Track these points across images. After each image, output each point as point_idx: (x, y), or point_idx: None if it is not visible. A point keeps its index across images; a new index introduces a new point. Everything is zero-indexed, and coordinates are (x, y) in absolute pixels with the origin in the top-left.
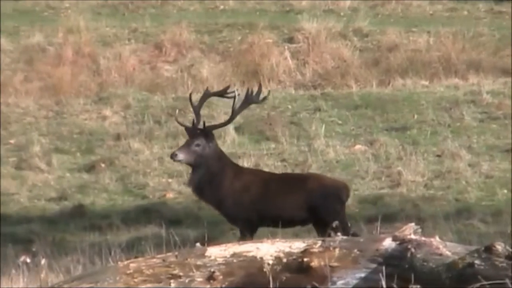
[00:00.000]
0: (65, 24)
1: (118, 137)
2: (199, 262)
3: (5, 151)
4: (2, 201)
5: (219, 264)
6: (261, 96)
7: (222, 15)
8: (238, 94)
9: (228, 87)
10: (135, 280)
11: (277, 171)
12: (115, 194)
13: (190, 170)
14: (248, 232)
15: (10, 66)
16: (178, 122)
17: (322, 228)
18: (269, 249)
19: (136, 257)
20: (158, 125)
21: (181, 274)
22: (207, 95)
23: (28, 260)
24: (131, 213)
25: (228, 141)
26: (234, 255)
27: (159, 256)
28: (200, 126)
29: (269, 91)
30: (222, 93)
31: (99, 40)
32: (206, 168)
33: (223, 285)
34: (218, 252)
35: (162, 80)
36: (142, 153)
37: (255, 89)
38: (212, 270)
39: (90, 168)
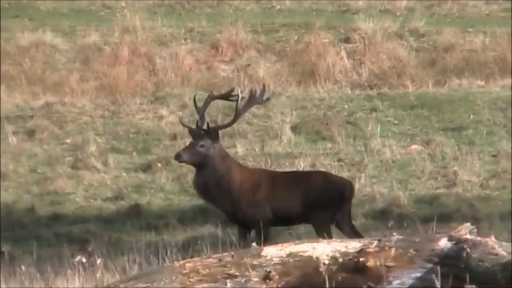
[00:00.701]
0: (121, 24)
1: (174, 137)
2: (255, 262)
3: (62, 150)
4: (58, 201)
5: (275, 264)
6: (265, 97)
7: (279, 15)
8: (242, 97)
9: (232, 90)
10: (191, 280)
11: (333, 171)
12: (172, 194)
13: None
14: (267, 230)
15: (66, 65)
16: (183, 124)
17: (318, 223)
18: (325, 249)
19: (192, 257)
20: (214, 125)
21: (237, 274)
22: (211, 98)
23: (84, 260)
24: (188, 213)
25: (285, 140)
26: (290, 254)
27: (215, 256)
28: (205, 127)
29: (273, 92)
30: (226, 96)
31: (155, 39)
32: (211, 169)
33: (279, 285)
34: (274, 252)
35: (218, 80)
36: None
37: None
38: (268, 270)
39: (147, 168)
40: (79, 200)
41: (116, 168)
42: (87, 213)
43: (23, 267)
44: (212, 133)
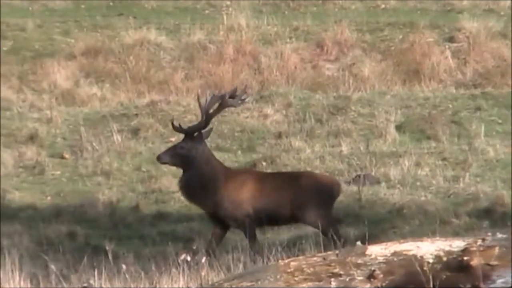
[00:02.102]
0: (226, 22)
1: (279, 135)
2: (359, 261)
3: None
4: (162, 199)
5: (379, 262)
6: (246, 98)
7: (383, 14)
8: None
9: (236, 89)
10: (296, 278)
11: (437, 170)
12: None
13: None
14: (252, 230)
15: (171, 64)
16: (173, 125)
17: (309, 224)
18: (429, 247)
19: (296, 256)
20: (319, 124)
21: (341, 272)
22: (215, 97)
23: (189, 259)
24: None
25: (389, 139)
26: (394, 253)
27: (319, 254)
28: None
29: (251, 93)
30: (232, 95)
31: (261, 38)
32: (195, 171)
33: (383, 284)
34: (378, 251)
35: (323, 78)
36: (303, 152)
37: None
38: (372, 268)
39: (251, 166)
40: (183, 198)
41: None
42: (192, 212)
43: (126, 266)
44: (192, 134)
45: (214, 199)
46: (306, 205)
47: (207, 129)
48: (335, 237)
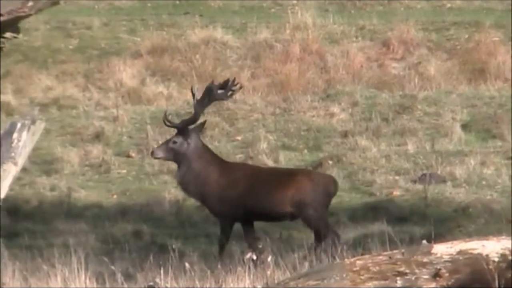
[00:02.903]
0: (292, 21)
1: (345, 134)
2: (425, 260)
3: (233, 147)
4: None
5: (445, 261)
6: (235, 91)
7: (449, 13)
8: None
9: (227, 80)
10: (362, 277)
11: (503, 169)
12: (342, 191)
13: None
14: (228, 226)
15: (237, 62)
16: (165, 120)
17: (306, 223)
18: (494, 246)
19: (362, 255)
20: (385, 123)
21: (407, 271)
22: (209, 89)
23: (254, 257)
24: (358, 210)
25: (455, 138)
26: (460, 252)
27: (385, 253)
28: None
29: (240, 87)
30: (222, 88)
31: (327, 37)
32: (187, 165)
33: (449, 283)
34: (444, 250)
35: (389, 77)
36: (369, 150)
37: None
38: (438, 267)
39: (318, 165)
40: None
41: (287, 165)
42: None
43: (192, 265)
44: (183, 129)
45: (205, 192)
46: (303, 203)
47: (199, 122)
48: (323, 236)
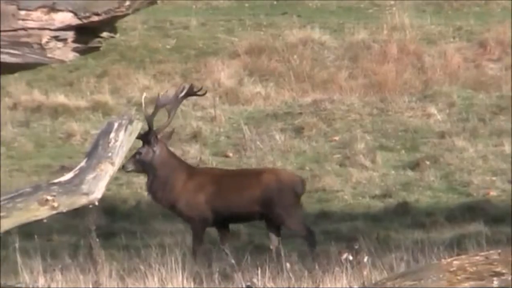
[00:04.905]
0: (389, 21)
1: (442, 135)
2: None
3: (330, 148)
4: (326, 198)
5: None
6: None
7: None
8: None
9: (182, 88)
10: (458, 277)
11: None
12: (439, 192)
13: None
14: (200, 230)
15: (334, 63)
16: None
17: (277, 222)
18: None
19: (458, 255)
20: (482, 123)
21: (504, 271)
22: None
23: (351, 258)
24: (455, 211)
25: None
26: None
27: (482, 253)
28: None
29: (204, 90)
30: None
31: (424, 37)
32: (153, 174)
33: None
34: None
35: (486, 78)
36: (466, 151)
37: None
38: None
39: (415, 166)
40: (347, 197)
41: (384, 166)
42: (355, 211)
43: (289, 265)
44: (148, 138)
45: (172, 198)
46: (272, 203)
47: (167, 130)
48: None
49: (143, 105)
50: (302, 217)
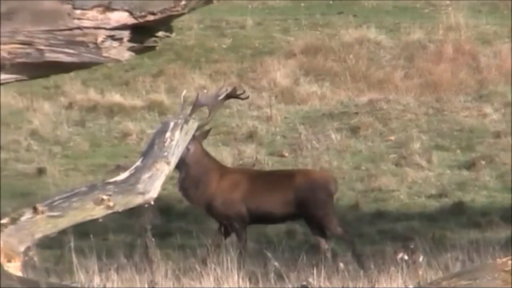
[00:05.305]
0: (445, 21)
1: (498, 135)
2: None
3: (386, 147)
4: (382, 198)
5: None
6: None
7: None
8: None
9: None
10: None
11: None
12: (495, 191)
13: None
14: (240, 229)
15: (390, 62)
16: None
17: (313, 222)
18: None
19: None
20: None
21: None
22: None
23: (406, 257)
24: (510, 211)
25: None
26: None
27: None
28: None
29: (247, 94)
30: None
31: (479, 37)
32: (186, 172)
33: None
34: None
35: None
36: None
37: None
38: None
39: (470, 165)
40: (403, 197)
41: (440, 166)
42: (411, 210)
43: (345, 265)
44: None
45: (207, 197)
46: (305, 204)
47: (205, 129)
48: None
49: (181, 101)
50: (336, 217)
